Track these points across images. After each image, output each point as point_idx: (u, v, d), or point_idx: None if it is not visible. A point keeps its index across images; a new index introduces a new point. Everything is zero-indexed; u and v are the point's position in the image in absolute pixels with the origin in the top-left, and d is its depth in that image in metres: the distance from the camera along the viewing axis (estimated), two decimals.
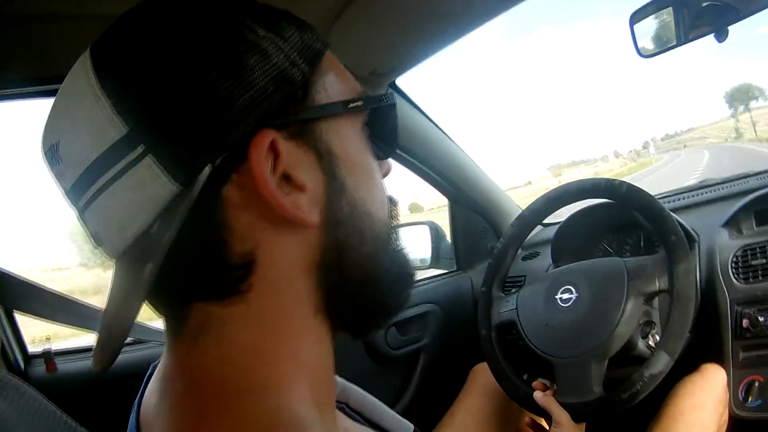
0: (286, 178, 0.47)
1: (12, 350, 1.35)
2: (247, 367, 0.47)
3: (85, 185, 0.45)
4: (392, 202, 0.58)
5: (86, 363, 1.41)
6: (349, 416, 0.70)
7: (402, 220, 0.61)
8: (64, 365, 1.38)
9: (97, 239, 0.49)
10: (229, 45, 0.45)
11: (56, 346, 1.43)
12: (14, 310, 1.34)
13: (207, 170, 0.43)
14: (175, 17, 0.46)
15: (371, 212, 0.53)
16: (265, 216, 0.46)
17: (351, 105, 0.52)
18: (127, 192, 0.44)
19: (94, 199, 0.45)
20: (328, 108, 0.50)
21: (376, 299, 0.55)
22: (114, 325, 0.47)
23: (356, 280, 0.52)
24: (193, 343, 0.47)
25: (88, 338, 1.51)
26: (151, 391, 0.53)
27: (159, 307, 0.51)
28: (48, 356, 1.37)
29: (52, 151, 0.47)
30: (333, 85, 0.52)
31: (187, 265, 0.46)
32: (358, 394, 0.73)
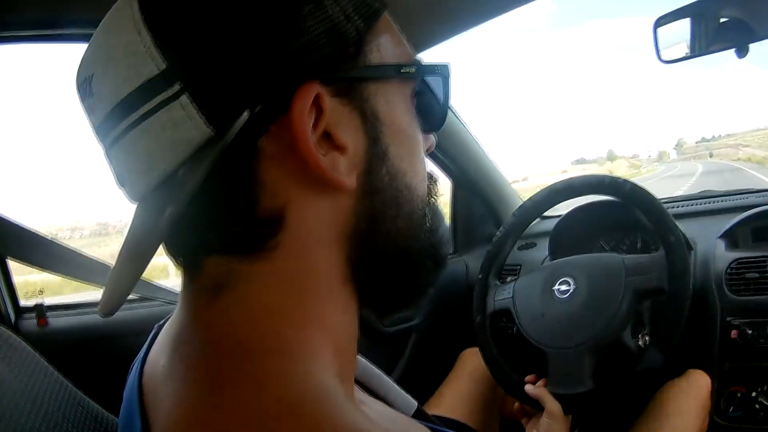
0: (327, 137, 0.44)
1: (3, 302, 1.32)
2: (271, 328, 0.44)
3: (115, 120, 0.43)
4: (432, 179, 0.56)
5: (79, 319, 1.39)
6: (357, 388, 0.66)
7: None
8: (56, 320, 1.36)
9: (121, 179, 0.47)
10: None
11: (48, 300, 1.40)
12: (8, 258, 1.29)
13: (245, 116, 0.41)
14: None
15: (411, 185, 0.50)
16: (300, 173, 0.44)
17: (403, 70, 0.50)
18: (158, 131, 0.42)
19: (123, 136, 0.43)
20: (380, 70, 0.48)
21: (406, 276, 0.53)
22: (125, 269, 0.45)
23: (387, 253, 0.50)
24: (213, 300, 0.45)
25: (81, 294, 1.49)
26: (159, 351, 0.50)
27: (177, 257, 0.49)
28: (40, 310, 1.34)
29: (86, 84, 0.45)
30: (387, 47, 0.49)
31: (212, 215, 0.44)
32: (365, 366, 0.72)
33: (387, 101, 0.48)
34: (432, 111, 0.55)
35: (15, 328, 1.32)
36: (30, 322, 1.34)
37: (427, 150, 0.56)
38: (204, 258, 0.46)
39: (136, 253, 0.45)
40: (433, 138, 0.58)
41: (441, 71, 0.54)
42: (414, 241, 0.52)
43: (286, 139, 0.43)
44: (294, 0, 0.42)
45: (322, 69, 0.43)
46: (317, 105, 0.43)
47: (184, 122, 0.41)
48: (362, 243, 0.48)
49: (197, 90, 0.41)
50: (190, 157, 0.42)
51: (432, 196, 0.56)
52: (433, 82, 0.55)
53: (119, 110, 0.43)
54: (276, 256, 0.45)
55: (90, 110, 0.46)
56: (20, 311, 1.37)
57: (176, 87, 0.41)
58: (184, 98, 0.41)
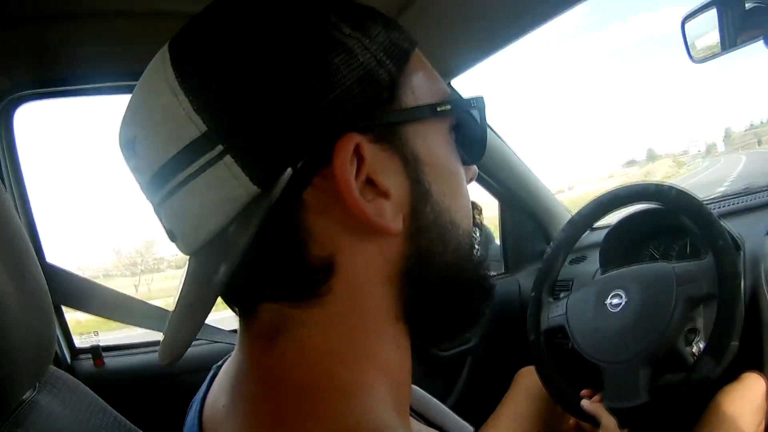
0: (370, 183, 0.45)
1: (59, 345, 1.35)
2: (327, 370, 0.45)
3: (162, 181, 0.45)
4: (476, 208, 0.57)
5: (134, 359, 1.42)
6: (413, 418, 0.68)
7: None
8: (111, 360, 1.39)
9: (172, 235, 0.48)
10: (313, 43, 0.43)
11: (104, 341, 1.44)
12: (63, 306, 1.33)
13: (288, 173, 0.42)
14: (258, 14, 0.44)
15: (456, 220, 0.50)
16: (347, 222, 0.44)
17: (439, 109, 0.49)
18: (205, 190, 0.43)
19: (171, 196, 0.45)
20: (416, 111, 0.48)
21: (456, 308, 0.53)
22: (185, 322, 0.46)
23: (437, 288, 0.50)
24: (270, 344, 0.46)
25: (133, 332, 1.51)
26: (219, 391, 0.51)
27: (233, 305, 0.50)
28: (96, 351, 1.37)
29: (129, 145, 0.46)
30: (421, 86, 0.49)
31: (264, 266, 0.45)
32: (421, 395, 0.72)
33: (425, 141, 0.49)
34: (471, 143, 0.55)
35: (71, 370, 1.36)
36: (86, 363, 1.37)
37: (469, 181, 0.56)
38: (258, 305, 0.47)
39: (195, 308, 0.46)
40: (474, 168, 0.58)
41: (476, 104, 0.54)
42: (462, 273, 0.52)
43: (330, 190, 0.43)
44: (324, 52, 0.43)
45: (359, 117, 0.44)
46: (357, 153, 0.44)
47: (229, 181, 0.42)
48: (412, 281, 0.49)
49: (239, 150, 0.41)
50: (238, 213, 0.43)
51: (477, 226, 0.56)
52: (470, 114, 0.55)
53: (165, 171, 0.44)
54: (328, 300, 0.46)
55: (136, 170, 0.48)
56: (76, 353, 1.40)
57: (219, 148, 0.42)
58: (228, 158, 0.41)
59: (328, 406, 0.43)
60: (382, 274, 0.48)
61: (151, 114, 0.44)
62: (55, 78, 1.20)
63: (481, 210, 0.57)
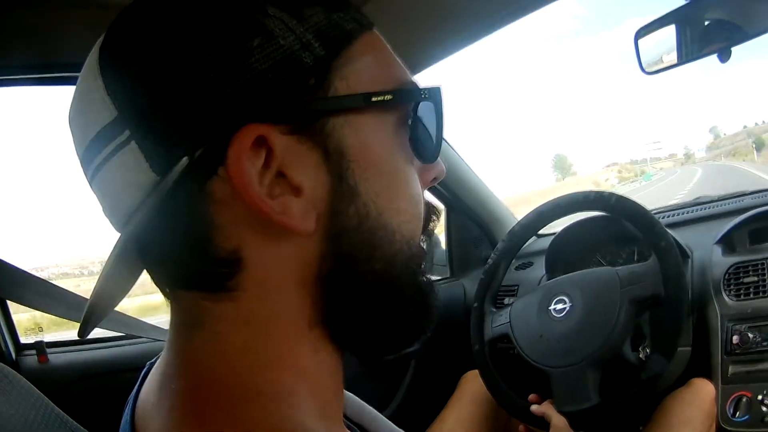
0: (282, 177, 0.42)
1: (4, 340, 1.34)
2: (244, 369, 0.44)
3: (87, 161, 0.45)
4: (434, 213, 0.54)
5: (78, 355, 1.40)
6: (349, 428, 0.62)
7: None
8: (56, 357, 1.37)
9: (104, 212, 0.49)
10: (230, 27, 0.41)
11: (48, 337, 1.42)
12: (6, 299, 1.32)
13: (183, 162, 0.40)
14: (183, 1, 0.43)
15: (390, 224, 0.46)
16: (251, 216, 0.42)
17: (375, 99, 0.45)
18: (115, 174, 0.43)
19: (95, 176, 0.45)
20: (345, 100, 0.44)
21: (385, 323, 0.49)
22: (94, 295, 0.48)
23: (361, 298, 0.47)
24: (190, 337, 0.46)
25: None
26: (149, 389, 0.49)
27: (161, 288, 0.50)
28: (40, 347, 1.35)
29: (70, 124, 0.47)
30: (361, 73, 0.45)
31: (176, 252, 0.45)
32: (355, 403, 0.69)
33: (357, 134, 0.45)
34: (421, 139, 0.50)
35: (16, 365, 1.33)
36: (30, 359, 1.36)
37: (431, 182, 0.54)
38: (178, 292, 0.48)
39: (99, 278, 0.47)
40: (438, 168, 0.54)
41: (429, 96, 0.49)
42: (393, 286, 0.48)
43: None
44: (240, 36, 0.41)
45: (271, 106, 0.41)
46: (267, 144, 0.41)
47: (134, 167, 0.42)
48: (331, 286, 0.46)
49: (142, 136, 0.41)
50: (143, 200, 0.42)
51: (427, 234, 0.53)
52: (425, 108, 0.50)
53: (89, 152, 0.44)
54: (239, 296, 0.44)
55: (75, 148, 0.48)
56: (20, 348, 1.38)
57: (126, 133, 0.41)
58: (133, 144, 0.41)
59: (246, 409, 0.42)
60: (296, 276, 0.45)
61: (80, 95, 0.45)
62: (37, 64, 1.18)
63: (439, 215, 0.55)
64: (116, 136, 0.42)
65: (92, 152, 0.44)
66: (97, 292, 0.48)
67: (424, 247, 0.52)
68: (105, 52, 0.43)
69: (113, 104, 0.41)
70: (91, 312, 0.50)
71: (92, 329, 0.48)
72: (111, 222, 0.48)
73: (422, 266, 0.51)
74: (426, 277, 0.52)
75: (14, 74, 1.19)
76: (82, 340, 1.43)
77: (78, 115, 0.45)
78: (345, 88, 0.44)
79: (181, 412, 0.43)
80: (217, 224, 0.42)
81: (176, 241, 0.44)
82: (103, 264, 0.48)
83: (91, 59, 0.44)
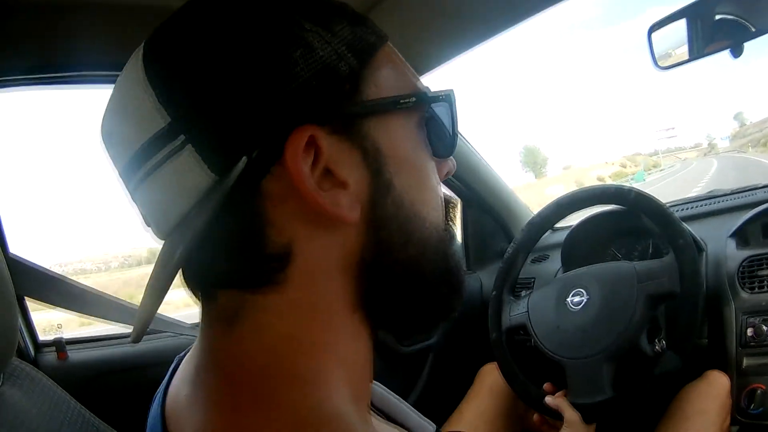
0: (329, 174, 0.47)
1: (23, 338, 1.34)
2: (286, 355, 0.47)
3: (133, 170, 0.47)
4: (450, 203, 0.58)
5: (98, 352, 1.41)
6: (373, 414, 0.68)
7: None
8: (75, 354, 1.38)
9: (146, 221, 0.51)
10: (273, 39, 0.45)
11: (67, 334, 1.43)
12: (25, 297, 1.31)
13: (243, 162, 0.44)
14: (224, 13, 0.47)
15: (420, 213, 0.51)
16: (304, 210, 0.46)
17: (402, 102, 0.51)
18: (169, 179, 0.45)
19: (141, 183, 0.47)
20: (377, 104, 0.49)
21: (420, 303, 0.54)
22: (146, 300, 0.48)
23: (399, 281, 0.51)
24: (229, 331, 0.48)
25: (98, 327, 1.50)
26: (180, 382, 0.52)
27: (196, 292, 0.52)
28: (59, 345, 1.36)
29: (107, 136, 0.49)
30: (386, 80, 0.51)
31: (225, 252, 0.47)
32: (382, 391, 0.72)
33: (389, 133, 0.50)
34: (441, 137, 0.56)
35: (35, 363, 1.34)
36: (50, 357, 1.36)
37: (445, 175, 0.58)
38: (218, 291, 0.49)
39: (154, 288, 0.47)
40: (451, 163, 0.59)
41: (445, 99, 0.55)
42: (426, 268, 0.53)
43: (288, 179, 0.45)
44: (284, 47, 0.45)
45: (316, 110, 0.45)
46: (315, 145, 0.45)
47: (191, 170, 0.44)
48: (372, 272, 0.50)
49: (198, 142, 0.44)
50: (199, 201, 0.45)
51: (450, 222, 0.57)
52: (440, 109, 0.56)
53: (135, 161, 0.46)
54: (286, 287, 0.47)
55: (113, 160, 0.50)
56: (39, 346, 1.39)
57: (181, 138, 0.44)
58: (189, 148, 0.44)
59: (287, 395, 0.45)
60: (340, 264, 0.49)
61: (125, 106, 0.47)
62: (39, 66, 1.19)
63: (455, 205, 0.59)
64: (170, 142, 0.44)
65: (140, 160, 0.46)
66: (146, 291, 0.49)
67: (450, 232, 0.57)
68: (155, 63, 0.45)
69: (165, 112, 0.44)
70: (142, 319, 0.50)
71: (143, 331, 0.49)
72: (154, 230, 0.50)
73: (452, 249, 0.56)
74: (455, 259, 0.56)
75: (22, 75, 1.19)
76: (101, 336, 1.45)
77: (122, 125, 0.47)
78: (375, 93, 0.49)
79: (217, 401, 0.46)
80: (271, 220, 0.46)
81: (230, 239, 0.47)
82: (150, 270, 0.49)
83: (134, 69, 0.46)
